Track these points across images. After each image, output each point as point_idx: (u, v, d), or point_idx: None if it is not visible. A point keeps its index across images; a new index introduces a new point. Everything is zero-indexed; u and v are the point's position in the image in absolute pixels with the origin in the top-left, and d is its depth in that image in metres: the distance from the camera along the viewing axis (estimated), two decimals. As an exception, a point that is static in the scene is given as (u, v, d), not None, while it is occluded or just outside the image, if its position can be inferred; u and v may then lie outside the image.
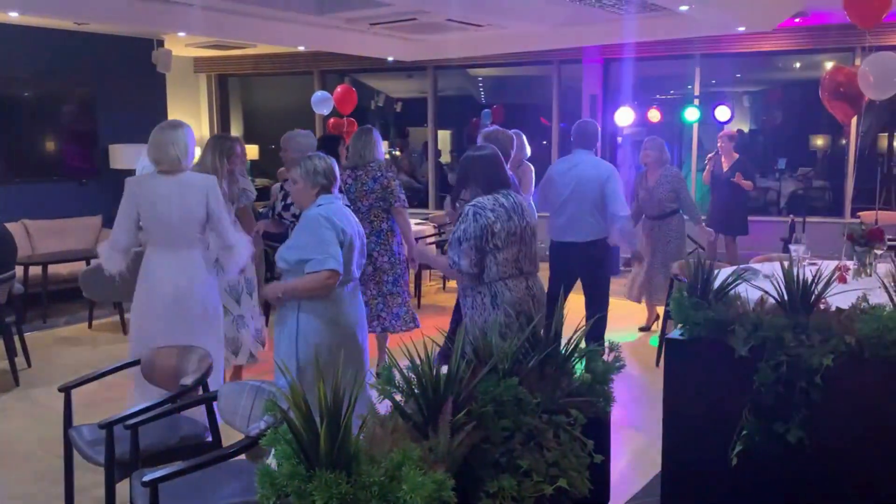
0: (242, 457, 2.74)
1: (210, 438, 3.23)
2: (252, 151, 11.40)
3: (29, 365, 5.70)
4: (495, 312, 3.32)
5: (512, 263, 3.37)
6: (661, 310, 6.32)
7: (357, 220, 3.51)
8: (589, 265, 5.10)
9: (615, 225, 5.03)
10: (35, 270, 7.04)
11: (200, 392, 3.22)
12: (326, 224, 3.28)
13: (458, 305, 5.25)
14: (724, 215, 7.84)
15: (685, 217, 6.40)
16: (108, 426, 2.95)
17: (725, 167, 7.84)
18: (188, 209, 3.81)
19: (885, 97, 5.66)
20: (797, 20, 8.10)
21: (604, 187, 4.98)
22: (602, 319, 5.01)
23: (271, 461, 1.84)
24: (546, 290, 3.67)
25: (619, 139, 9.78)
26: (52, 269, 7.14)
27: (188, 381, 3.19)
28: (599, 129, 5.36)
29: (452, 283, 8.62)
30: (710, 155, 8.23)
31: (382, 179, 5.00)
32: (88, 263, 7.03)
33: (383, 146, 5.36)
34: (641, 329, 6.57)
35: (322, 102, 9.88)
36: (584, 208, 5.01)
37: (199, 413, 3.33)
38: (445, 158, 12.78)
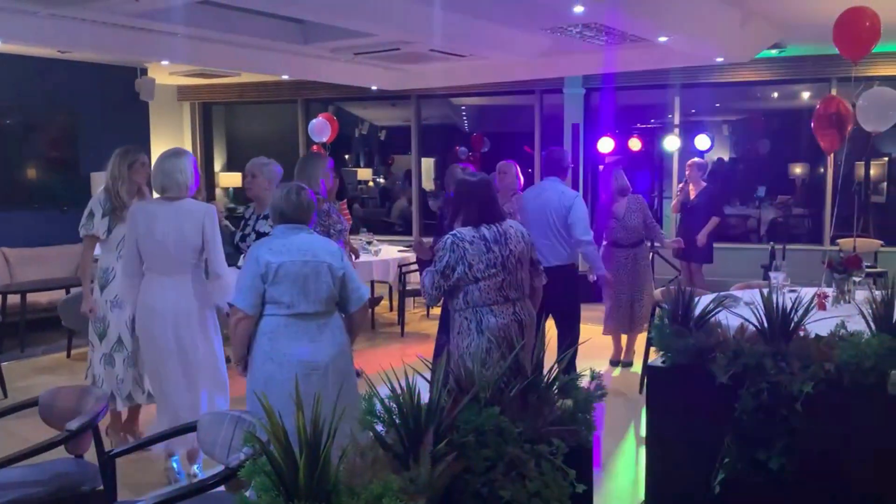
0: (222, 488, 2.70)
1: (101, 486, 2.94)
2: (235, 179, 11.39)
3: (5, 395, 5.61)
4: (479, 338, 3.32)
5: (496, 291, 3.37)
6: (643, 337, 6.31)
7: (316, 243, 3.27)
8: (555, 291, 5.11)
9: (578, 250, 5.13)
10: (13, 299, 6.95)
11: (91, 435, 2.99)
12: (250, 257, 3.24)
13: (441, 327, 5.22)
14: (691, 243, 7.69)
15: (654, 242, 6.53)
16: None
17: (693, 195, 7.82)
18: (184, 235, 3.88)
19: (882, 130, 5.74)
20: (774, 52, 8.24)
21: (567, 214, 5.09)
22: (572, 348, 5.01)
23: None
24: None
25: (601, 167, 9.86)
26: (30, 297, 7.06)
27: (73, 425, 2.94)
28: (569, 156, 5.47)
29: (436, 311, 8.60)
30: (680, 185, 8.22)
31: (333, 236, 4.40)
32: (68, 292, 6.97)
33: (329, 175, 4.81)
34: (613, 363, 6.42)
35: (320, 130, 9.81)
36: (548, 234, 5.09)
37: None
38: (429, 186, 12.83)
